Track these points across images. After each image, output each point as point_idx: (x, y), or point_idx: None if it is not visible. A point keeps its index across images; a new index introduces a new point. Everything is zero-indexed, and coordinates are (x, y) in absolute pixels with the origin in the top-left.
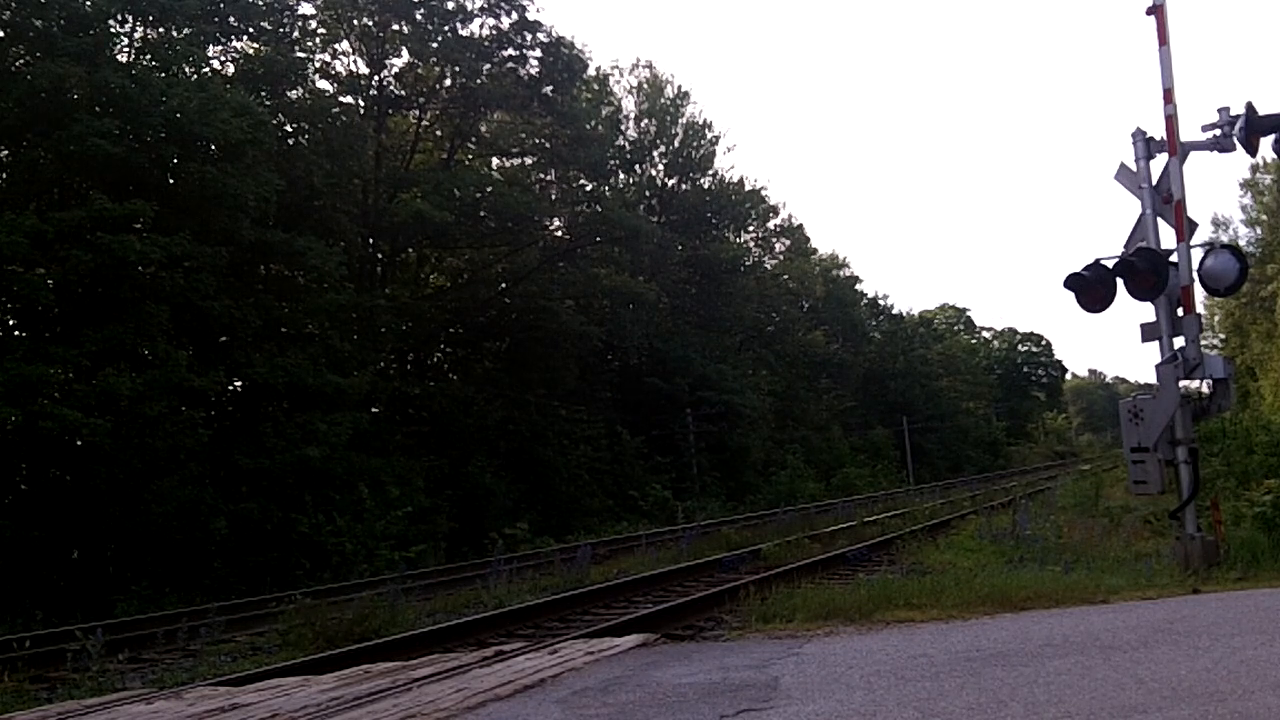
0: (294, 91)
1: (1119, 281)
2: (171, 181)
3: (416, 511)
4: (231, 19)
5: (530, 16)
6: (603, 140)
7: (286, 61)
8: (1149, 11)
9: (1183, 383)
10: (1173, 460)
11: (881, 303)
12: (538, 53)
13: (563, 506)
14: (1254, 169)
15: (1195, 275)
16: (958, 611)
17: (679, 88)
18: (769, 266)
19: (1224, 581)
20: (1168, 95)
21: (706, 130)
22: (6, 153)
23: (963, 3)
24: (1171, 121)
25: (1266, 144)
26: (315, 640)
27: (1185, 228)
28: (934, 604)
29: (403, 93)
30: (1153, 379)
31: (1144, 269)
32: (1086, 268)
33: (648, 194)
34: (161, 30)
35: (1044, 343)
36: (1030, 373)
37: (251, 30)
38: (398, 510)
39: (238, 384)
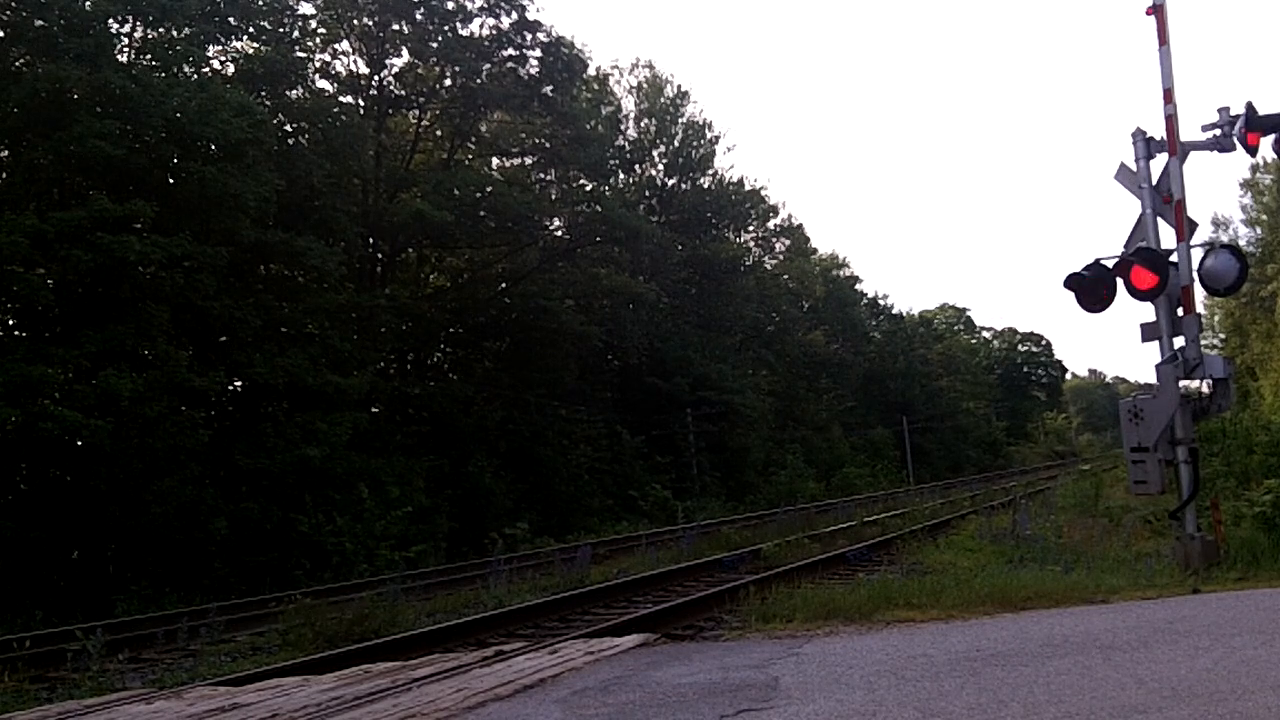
0: (294, 91)
1: (1119, 281)
2: (171, 182)
3: (416, 511)
4: (231, 19)
5: (530, 16)
6: (603, 140)
7: (286, 61)
8: (1149, 11)
9: (1183, 382)
10: (1173, 460)
11: (881, 303)
12: (538, 53)
13: (563, 506)
14: (1254, 169)
15: (1195, 275)
16: (958, 611)
17: (679, 88)
18: (769, 266)
19: (1224, 581)
20: (1168, 95)
21: (706, 130)
22: (6, 153)
23: (963, 3)
24: (1171, 121)
25: (1266, 144)
26: (315, 640)
27: (1185, 228)
28: (934, 604)
29: (403, 93)
30: (1153, 379)
31: (1144, 269)
32: (1086, 268)
33: (648, 194)
34: (161, 30)
35: (1044, 343)
36: (1030, 373)
37: (251, 30)
38: (398, 510)
39: (238, 384)
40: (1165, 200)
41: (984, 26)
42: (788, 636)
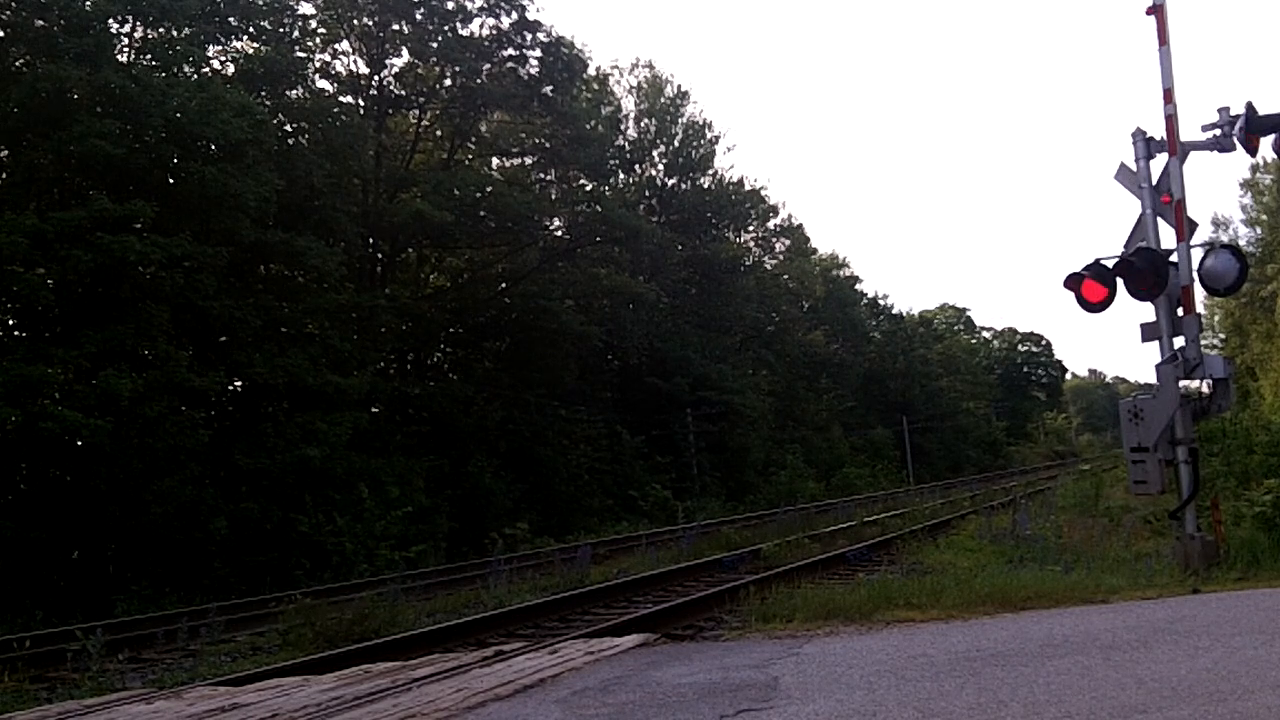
0: (294, 91)
1: (1119, 281)
2: (172, 182)
3: (416, 511)
4: (231, 19)
5: (530, 16)
6: (603, 140)
7: (286, 61)
8: (1149, 11)
9: (1183, 382)
10: (1173, 460)
11: (881, 303)
12: (538, 53)
13: (563, 506)
14: (1254, 169)
15: (1195, 275)
16: (958, 611)
17: (679, 88)
18: (769, 266)
19: (1224, 581)
20: (1168, 95)
21: (706, 130)
22: (6, 153)
23: (963, 3)
24: (1171, 121)
25: (1266, 144)
26: (315, 640)
27: (1185, 228)
28: (934, 604)
29: (403, 93)
30: (1153, 379)
31: (1144, 269)
32: (1086, 268)
33: (648, 194)
34: (161, 30)
35: (1044, 343)
36: (1030, 373)
37: (251, 30)
38: (398, 510)
39: (238, 384)
40: (1165, 200)
41: (984, 26)
42: (788, 636)
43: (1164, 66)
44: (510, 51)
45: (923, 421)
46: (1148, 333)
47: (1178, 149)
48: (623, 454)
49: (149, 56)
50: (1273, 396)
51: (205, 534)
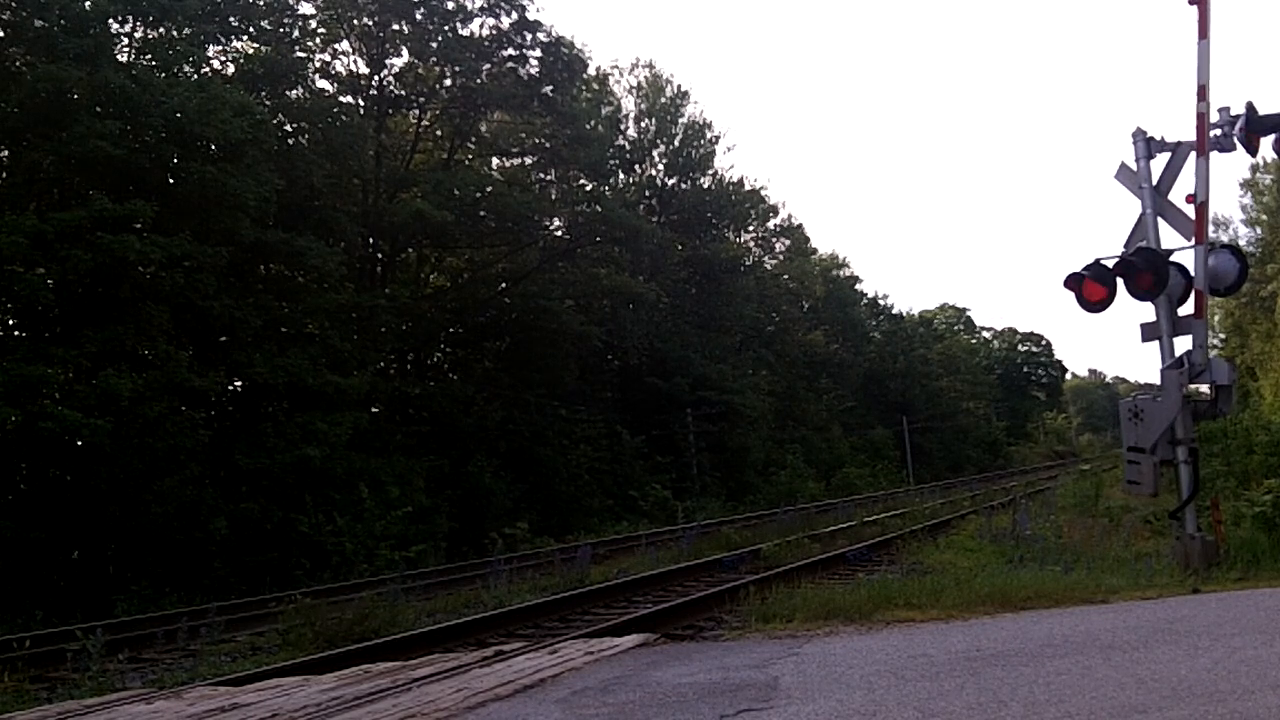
0: (294, 91)
1: (1119, 281)
2: (171, 181)
3: (416, 511)
4: (231, 19)
5: (530, 16)
6: (603, 140)
7: (286, 61)
8: (1191, 1)
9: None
10: (1173, 460)
11: (881, 303)
12: (538, 53)
13: (563, 506)
14: (1254, 169)
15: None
16: (958, 611)
17: (679, 87)
18: (769, 266)
19: (1224, 581)
20: (1201, 92)
21: (706, 130)
22: (7, 153)
23: (963, 2)
24: (1203, 120)
25: (1266, 144)
26: (315, 640)
27: (1205, 229)
28: (934, 604)
29: (403, 93)
30: (1152, 378)
31: (1144, 269)
32: (1086, 268)
33: (647, 194)
34: (161, 30)
35: (1044, 343)
36: (1030, 373)
37: (251, 30)
38: (398, 510)
39: (238, 384)
40: (1189, 200)
41: (984, 26)
42: (788, 636)
43: (1201, 61)
44: (510, 51)
45: (923, 421)
46: (1148, 333)
47: (1206, 148)
48: (623, 454)
49: (149, 56)
50: (1273, 396)
51: (205, 534)
